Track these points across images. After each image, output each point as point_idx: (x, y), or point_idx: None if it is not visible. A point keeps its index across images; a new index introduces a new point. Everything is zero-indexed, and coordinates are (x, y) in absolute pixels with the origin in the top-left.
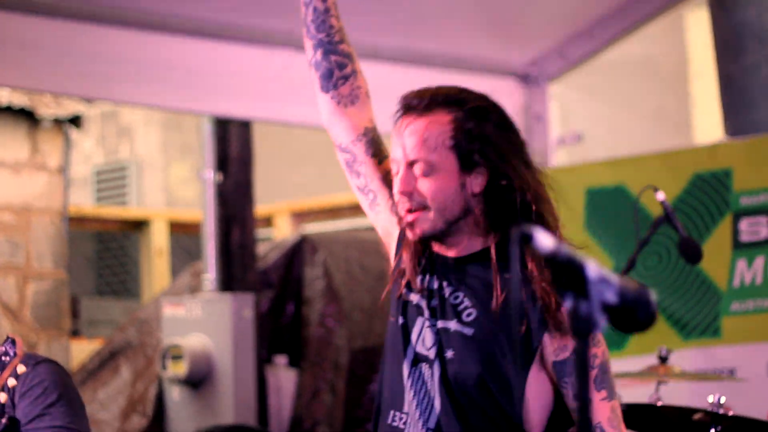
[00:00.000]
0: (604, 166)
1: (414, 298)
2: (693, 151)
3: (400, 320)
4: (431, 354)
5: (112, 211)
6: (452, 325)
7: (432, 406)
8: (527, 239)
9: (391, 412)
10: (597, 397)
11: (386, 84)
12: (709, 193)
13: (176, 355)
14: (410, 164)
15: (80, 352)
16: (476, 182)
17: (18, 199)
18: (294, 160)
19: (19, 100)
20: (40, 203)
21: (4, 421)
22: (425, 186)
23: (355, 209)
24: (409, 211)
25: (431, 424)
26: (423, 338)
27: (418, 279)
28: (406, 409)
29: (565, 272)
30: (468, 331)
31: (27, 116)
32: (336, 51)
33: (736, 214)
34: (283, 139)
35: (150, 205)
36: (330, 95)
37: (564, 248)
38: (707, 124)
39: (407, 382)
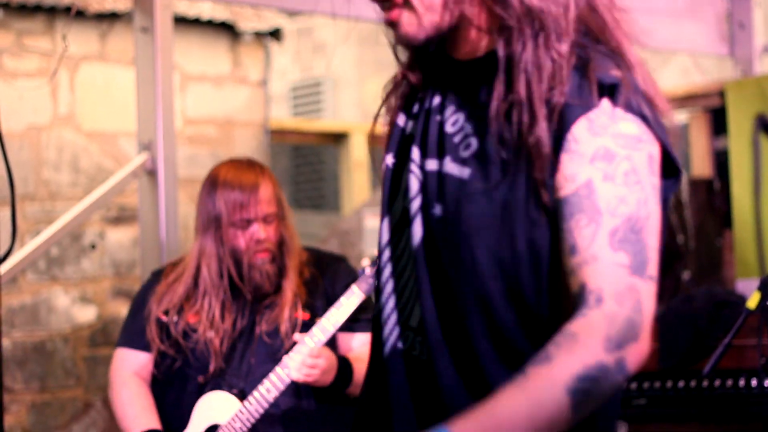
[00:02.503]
0: None
1: (402, 121)
2: None
3: (390, 160)
4: (412, 208)
5: (312, 124)
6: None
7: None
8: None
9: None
10: (609, 256)
11: None
12: None
13: None
14: None
15: None
16: None
17: (220, 112)
18: None
19: (220, 14)
20: (242, 116)
21: None
22: None
23: None
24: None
25: (413, 321)
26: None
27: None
28: (383, 298)
29: None
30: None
31: (228, 30)
32: None
33: None
34: None
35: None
36: None
37: None
38: None
39: (384, 253)
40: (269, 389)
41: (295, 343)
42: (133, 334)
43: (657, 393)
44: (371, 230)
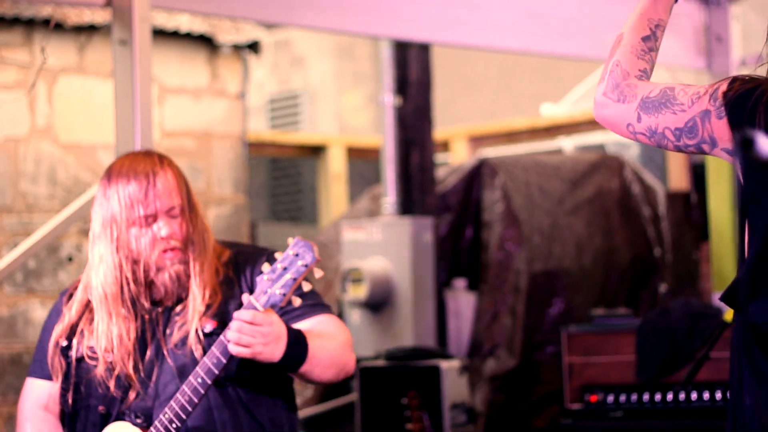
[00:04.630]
0: None
1: None
2: None
3: None
4: None
5: (290, 136)
6: None
7: None
8: (748, 144)
9: None
10: None
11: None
12: None
13: (356, 278)
14: None
15: None
16: None
17: (199, 124)
18: (470, 85)
19: (198, 26)
20: (220, 129)
21: None
22: None
23: (532, 132)
24: None
25: None
26: None
27: None
28: None
29: None
30: None
31: (206, 43)
32: None
33: None
34: (459, 63)
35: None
36: None
37: None
38: None
39: None
40: (178, 411)
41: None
42: (38, 362)
43: (634, 406)
44: (349, 242)
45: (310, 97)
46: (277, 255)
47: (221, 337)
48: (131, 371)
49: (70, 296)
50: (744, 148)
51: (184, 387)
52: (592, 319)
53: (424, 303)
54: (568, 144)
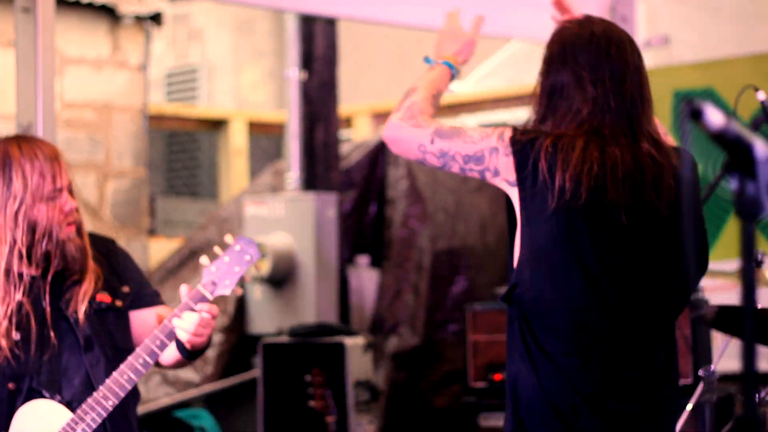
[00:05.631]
0: (692, 69)
1: None
2: None
3: None
4: None
5: (191, 110)
6: None
7: None
8: (697, 115)
9: None
10: None
11: None
12: None
13: None
14: None
15: (158, 251)
16: None
17: (99, 96)
18: (373, 61)
19: None
20: (121, 101)
21: None
22: None
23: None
24: None
25: None
26: None
27: None
28: None
29: (733, 151)
30: None
31: (108, 13)
32: None
33: None
34: (361, 38)
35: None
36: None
37: (733, 126)
38: None
39: None
40: (114, 389)
41: (101, 324)
42: None
43: None
44: (251, 217)
45: (208, 72)
46: (217, 250)
47: (166, 321)
48: (35, 347)
49: None
50: (693, 120)
51: (123, 367)
52: (496, 297)
53: (327, 279)
54: (471, 122)
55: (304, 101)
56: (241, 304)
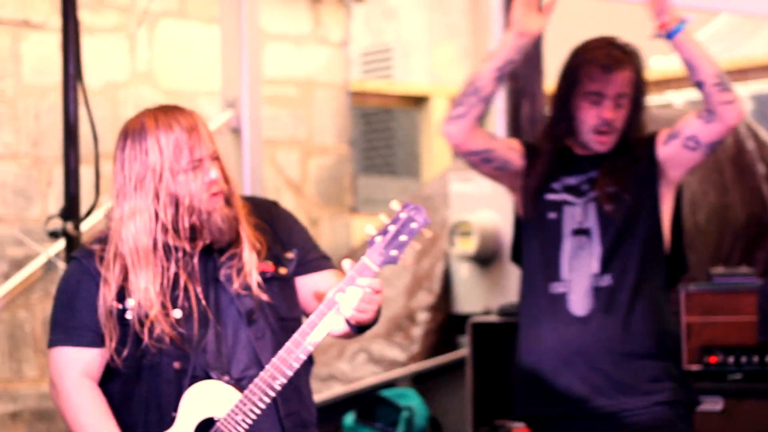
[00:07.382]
0: None
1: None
2: None
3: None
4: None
5: (393, 86)
6: None
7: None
8: None
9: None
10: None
11: None
12: None
13: (465, 231)
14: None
15: (360, 229)
16: None
17: (301, 72)
18: (579, 35)
19: None
20: (323, 77)
21: None
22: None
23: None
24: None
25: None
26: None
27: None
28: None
29: None
30: None
31: None
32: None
33: None
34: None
35: None
36: None
37: None
38: None
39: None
40: (282, 368)
41: (265, 301)
42: (73, 330)
43: (754, 368)
44: (457, 194)
45: (402, 50)
46: (382, 218)
47: (329, 295)
48: (196, 324)
49: (98, 256)
50: None
51: (290, 344)
52: (711, 277)
53: None
54: (678, 98)
55: (509, 77)
56: (446, 282)
